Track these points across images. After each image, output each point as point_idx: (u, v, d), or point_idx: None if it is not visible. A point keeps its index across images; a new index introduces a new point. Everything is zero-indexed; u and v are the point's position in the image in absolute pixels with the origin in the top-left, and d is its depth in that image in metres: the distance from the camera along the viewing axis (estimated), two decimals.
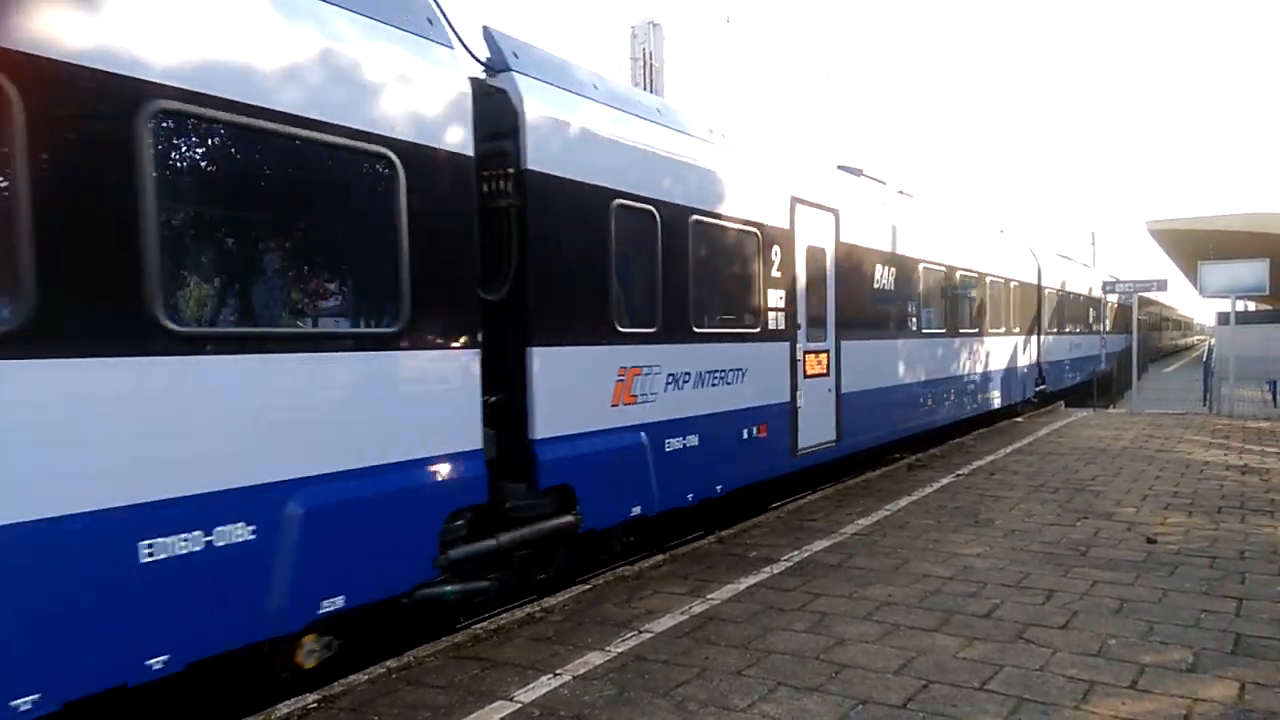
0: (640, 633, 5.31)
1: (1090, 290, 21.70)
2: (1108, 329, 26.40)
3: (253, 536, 4.07)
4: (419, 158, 4.92)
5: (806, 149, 8.38)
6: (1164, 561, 6.65)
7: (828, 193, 9.70)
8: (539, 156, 5.84)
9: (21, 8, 3.39)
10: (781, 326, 8.65)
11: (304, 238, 4.63)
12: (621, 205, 6.58)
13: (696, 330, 7.41)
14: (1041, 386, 18.99)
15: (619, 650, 5.03)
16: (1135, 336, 20.64)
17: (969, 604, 5.73)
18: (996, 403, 15.89)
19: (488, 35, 5.88)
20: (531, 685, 4.56)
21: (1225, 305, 19.84)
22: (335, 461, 4.47)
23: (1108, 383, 23.50)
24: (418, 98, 4.93)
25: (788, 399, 8.76)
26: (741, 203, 8.05)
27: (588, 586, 6.29)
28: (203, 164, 4.12)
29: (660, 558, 7.03)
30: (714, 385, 7.68)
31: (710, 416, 7.59)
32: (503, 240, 5.78)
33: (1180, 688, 4.34)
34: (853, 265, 10.13)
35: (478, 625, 5.51)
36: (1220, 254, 19.21)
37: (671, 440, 7.13)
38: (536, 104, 5.85)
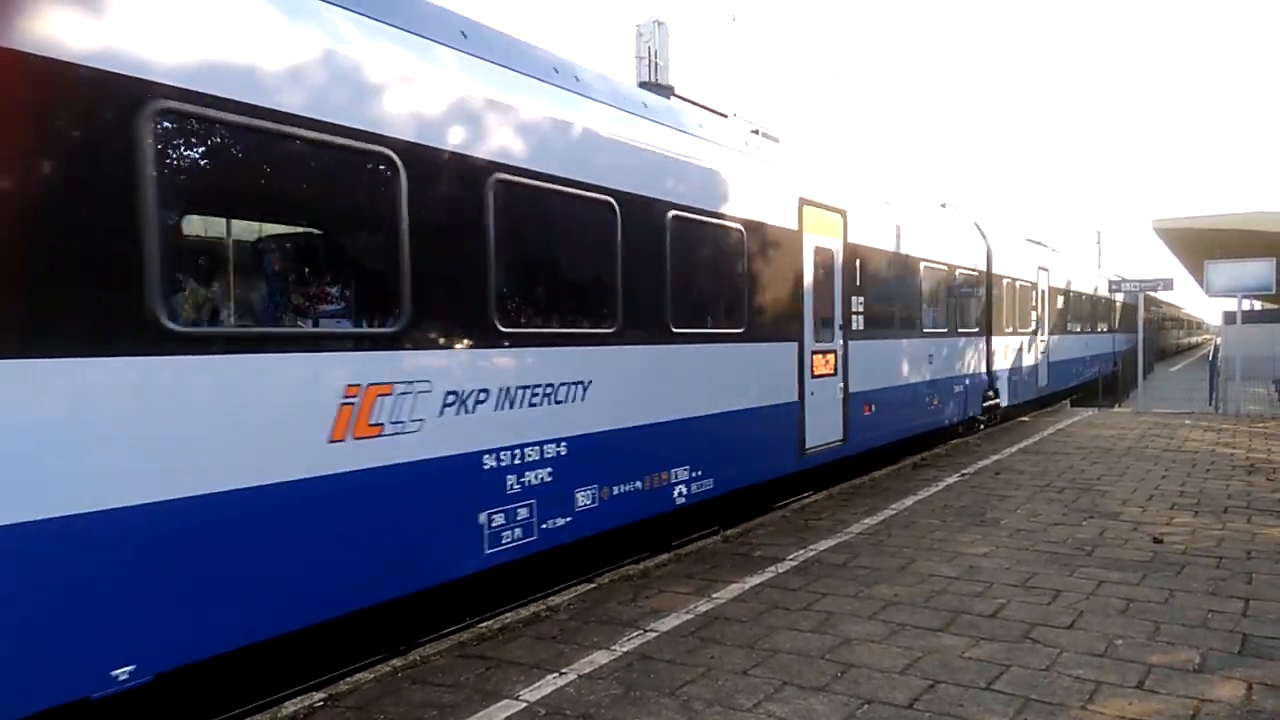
0: (646, 632, 5.32)
1: (1134, 299, 28.20)
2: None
3: (947, 390, 13.52)
4: (977, 273, 14.66)
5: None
6: (1170, 561, 6.64)
7: (1044, 259, 19.22)
8: (996, 267, 15.32)
9: None
10: (1033, 328, 17.98)
11: (956, 306, 13.97)
12: (1018, 284, 16.43)
13: (1015, 330, 16.53)
14: (1115, 367, 27.26)
15: (624, 649, 5.04)
16: (1141, 335, 20.62)
17: (975, 604, 5.73)
18: (1099, 373, 25.44)
19: (976, 224, 15.06)
20: (537, 684, 4.56)
21: (1232, 304, 19.77)
22: (964, 372, 14.01)
23: (1114, 382, 24.74)
24: (978, 253, 14.75)
25: (1040, 361, 18.49)
26: (1029, 272, 17.52)
27: (593, 585, 6.30)
28: (927, 284, 12.61)
29: (665, 557, 7.03)
30: (1018, 351, 16.91)
31: (1015, 369, 16.80)
32: (982, 299, 14.74)
33: (1187, 688, 4.33)
34: (1052, 294, 19.56)
35: (483, 624, 5.52)
36: (1226, 253, 19.15)
37: (1012, 378, 16.53)
38: (996, 248, 15.46)
